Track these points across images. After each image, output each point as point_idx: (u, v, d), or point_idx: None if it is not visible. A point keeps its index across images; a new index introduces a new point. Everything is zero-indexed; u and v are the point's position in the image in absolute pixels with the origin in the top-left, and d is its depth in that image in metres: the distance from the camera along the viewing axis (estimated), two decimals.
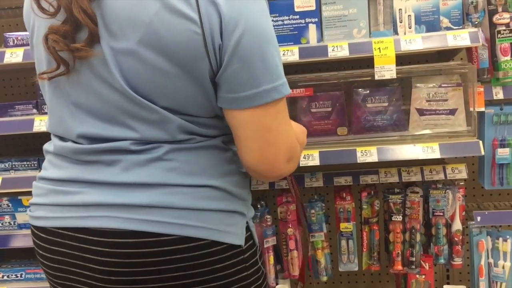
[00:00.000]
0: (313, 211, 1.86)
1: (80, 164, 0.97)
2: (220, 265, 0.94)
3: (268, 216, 1.86)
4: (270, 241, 1.86)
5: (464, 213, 1.83)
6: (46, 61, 0.95)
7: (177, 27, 0.86)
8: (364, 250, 1.90)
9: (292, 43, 1.73)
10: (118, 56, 0.89)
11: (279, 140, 0.96)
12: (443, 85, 1.74)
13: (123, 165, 0.93)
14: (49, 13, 0.90)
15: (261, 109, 0.92)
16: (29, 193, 1.10)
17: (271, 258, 1.87)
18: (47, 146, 1.06)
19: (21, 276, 1.99)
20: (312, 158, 1.70)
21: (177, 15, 0.86)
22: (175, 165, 0.94)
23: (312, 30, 1.72)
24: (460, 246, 1.81)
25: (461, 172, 1.79)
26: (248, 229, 1.01)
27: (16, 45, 1.85)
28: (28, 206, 1.05)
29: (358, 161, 1.67)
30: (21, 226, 1.95)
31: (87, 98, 0.94)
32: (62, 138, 1.00)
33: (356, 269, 1.92)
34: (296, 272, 1.88)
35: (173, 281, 0.93)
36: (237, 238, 0.97)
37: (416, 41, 1.62)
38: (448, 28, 1.68)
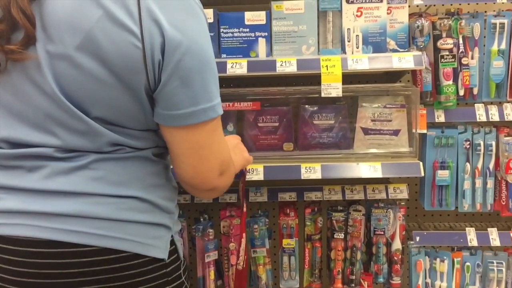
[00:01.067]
0: (256, 226, 1.84)
1: None
2: (141, 279, 0.92)
3: (211, 230, 1.83)
4: (212, 256, 1.83)
5: (404, 232, 1.85)
6: None
7: (117, 38, 0.85)
8: (306, 267, 1.89)
9: (241, 55, 1.72)
10: (53, 60, 0.86)
11: (212, 155, 0.97)
12: (387, 105, 1.77)
13: (46, 172, 0.90)
14: None
15: (197, 127, 0.92)
16: None
17: (211, 273, 1.83)
18: None
19: None
20: (256, 172, 1.69)
21: (118, 26, 0.84)
22: (100, 174, 0.91)
23: (262, 44, 1.72)
24: (399, 265, 1.83)
25: (402, 192, 1.82)
26: (173, 242, 0.99)
27: None
28: None
29: (302, 178, 1.67)
30: None
31: (15, 101, 0.90)
32: None
33: (297, 286, 1.90)
34: None
35: None
36: (161, 251, 0.95)
37: (362, 61, 1.64)
38: (394, 50, 1.72)
